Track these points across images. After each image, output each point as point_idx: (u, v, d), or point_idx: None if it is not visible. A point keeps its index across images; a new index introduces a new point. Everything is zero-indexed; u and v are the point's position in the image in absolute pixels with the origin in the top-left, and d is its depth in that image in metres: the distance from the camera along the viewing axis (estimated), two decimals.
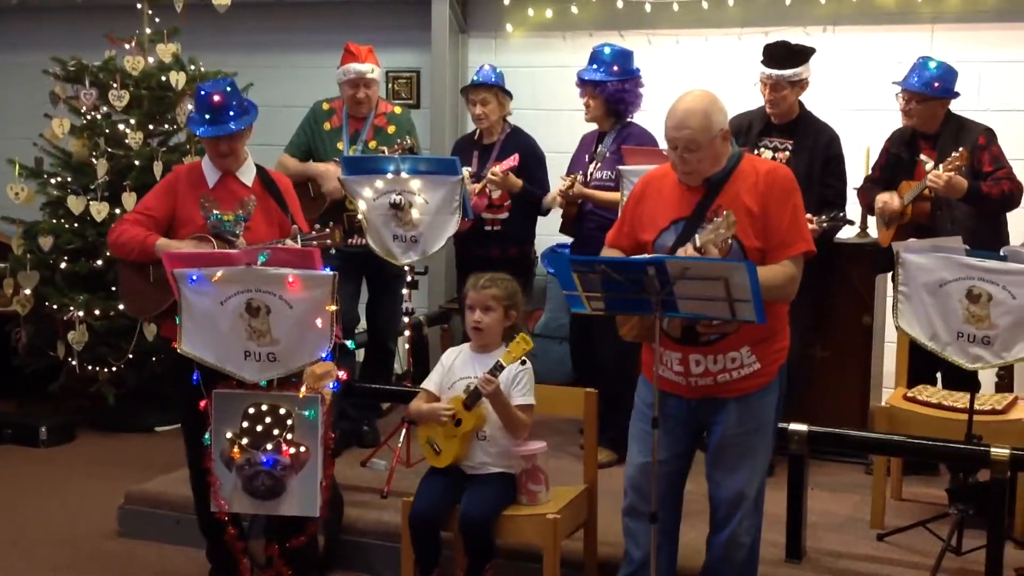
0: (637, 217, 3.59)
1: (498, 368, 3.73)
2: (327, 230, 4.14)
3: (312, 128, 5.36)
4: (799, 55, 4.89)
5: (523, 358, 3.77)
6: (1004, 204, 4.71)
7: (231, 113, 4.06)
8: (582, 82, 5.15)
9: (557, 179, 5.32)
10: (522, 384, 3.84)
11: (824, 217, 4.65)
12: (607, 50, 5.15)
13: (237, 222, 4.11)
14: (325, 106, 5.40)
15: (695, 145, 3.39)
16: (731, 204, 3.38)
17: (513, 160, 5.14)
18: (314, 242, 3.99)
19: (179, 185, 4.19)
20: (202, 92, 4.10)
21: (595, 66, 5.13)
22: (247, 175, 4.20)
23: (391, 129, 5.30)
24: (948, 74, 4.78)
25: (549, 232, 5.70)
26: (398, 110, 5.47)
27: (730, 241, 3.35)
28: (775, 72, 4.85)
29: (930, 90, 4.75)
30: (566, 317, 6.19)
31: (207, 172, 4.18)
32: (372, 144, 5.26)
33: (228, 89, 4.09)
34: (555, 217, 5.36)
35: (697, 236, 3.33)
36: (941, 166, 4.54)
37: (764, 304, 3.20)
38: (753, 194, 3.41)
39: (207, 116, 4.07)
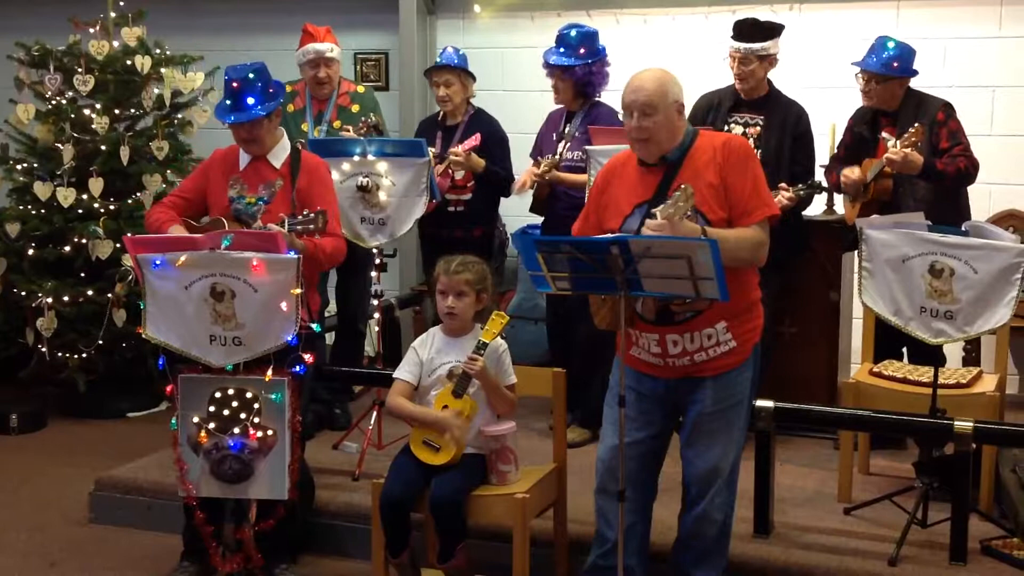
0: (603, 206, 3.60)
1: (481, 347, 3.74)
2: (312, 215, 4.11)
3: None
4: (768, 30, 4.93)
5: (502, 334, 3.78)
6: (959, 181, 4.74)
7: (250, 99, 4.01)
8: (550, 66, 5.14)
9: (526, 159, 5.33)
10: (505, 364, 3.85)
11: (801, 186, 4.71)
12: (573, 33, 5.12)
13: (257, 204, 4.08)
14: (288, 88, 5.37)
15: (651, 108, 3.40)
16: (691, 180, 3.38)
17: (475, 139, 5.14)
18: (299, 227, 3.97)
19: (212, 167, 4.20)
20: (225, 78, 4.07)
21: (562, 49, 5.10)
22: (278, 157, 4.16)
23: (355, 108, 5.29)
24: (906, 53, 4.80)
25: (520, 213, 5.70)
26: (361, 89, 5.45)
27: (696, 220, 3.35)
28: (743, 45, 4.88)
29: (889, 70, 4.77)
30: (538, 298, 6.21)
31: (241, 154, 4.17)
32: (336, 124, 5.25)
33: (250, 75, 4.03)
34: (525, 198, 5.35)
35: (657, 212, 3.33)
36: (898, 143, 4.57)
37: (733, 270, 3.21)
38: (711, 167, 3.42)
39: (228, 102, 4.05)
